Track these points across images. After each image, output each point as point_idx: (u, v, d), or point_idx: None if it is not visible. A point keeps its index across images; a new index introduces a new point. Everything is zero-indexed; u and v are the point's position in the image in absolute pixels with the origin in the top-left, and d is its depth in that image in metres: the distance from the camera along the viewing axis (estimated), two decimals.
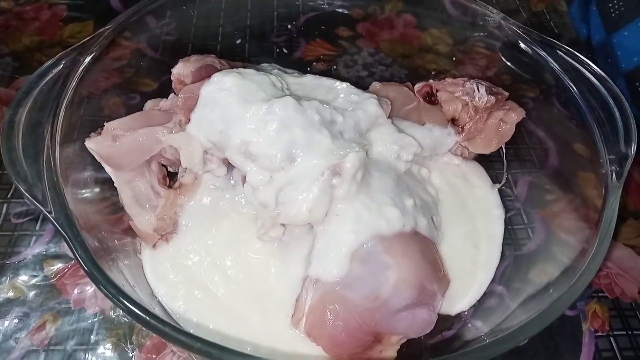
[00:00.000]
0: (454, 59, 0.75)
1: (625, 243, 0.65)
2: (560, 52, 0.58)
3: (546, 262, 0.58)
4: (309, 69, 0.79)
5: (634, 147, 0.50)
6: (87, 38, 0.55)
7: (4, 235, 0.60)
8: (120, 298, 0.37)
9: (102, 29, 0.56)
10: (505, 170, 0.66)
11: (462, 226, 0.59)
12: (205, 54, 0.65)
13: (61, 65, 0.51)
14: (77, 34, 0.82)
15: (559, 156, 0.66)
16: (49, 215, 0.41)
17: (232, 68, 0.64)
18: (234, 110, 0.53)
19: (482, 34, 0.71)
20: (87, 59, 0.53)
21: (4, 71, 0.76)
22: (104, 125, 0.53)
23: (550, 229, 0.61)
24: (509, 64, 0.69)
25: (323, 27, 0.83)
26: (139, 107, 0.66)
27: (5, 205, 0.62)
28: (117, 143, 0.51)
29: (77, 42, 0.79)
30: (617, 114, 0.52)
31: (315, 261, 0.50)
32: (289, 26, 0.84)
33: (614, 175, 0.48)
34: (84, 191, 0.55)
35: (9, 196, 0.63)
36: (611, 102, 0.53)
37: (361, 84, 0.76)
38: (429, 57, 0.80)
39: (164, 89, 0.69)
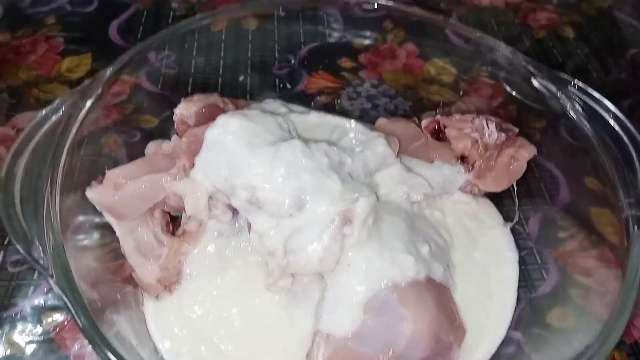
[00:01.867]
0: (460, 93, 0.74)
1: None
2: (571, 88, 0.57)
3: (564, 306, 0.57)
4: (312, 102, 0.78)
5: None
6: (87, 82, 0.53)
7: (0, 285, 0.58)
8: None
9: (101, 71, 0.55)
10: (516, 208, 0.64)
11: (475, 271, 0.58)
12: (208, 93, 0.63)
13: (61, 112, 0.49)
14: (74, 68, 0.81)
15: (570, 190, 0.65)
16: (50, 279, 0.39)
17: (236, 106, 0.63)
18: (240, 154, 0.51)
19: (487, 67, 0.70)
20: (88, 104, 0.51)
21: (0, 108, 0.75)
22: (104, 173, 0.51)
23: (565, 269, 0.60)
24: (514, 93, 0.68)
25: (325, 59, 0.82)
26: (140, 145, 0.65)
27: (1, 253, 0.60)
28: (119, 192, 0.50)
29: (75, 76, 0.80)
30: (633, 153, 0.51)
31: (326, 314, 0.48)
32: (291, 58, 0.83)
33: (636, 224, 0.46)
34: (83, 237, 0.53)
35: (5, 243, 0.61)
36: (626, 140, 0.52)
37: (365, 117, 0.76)
38: (433, 88, 0.79)
39: (165, 125, 0.67)
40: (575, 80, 0.57)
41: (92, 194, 0.49)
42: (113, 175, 0.49)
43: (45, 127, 0.48)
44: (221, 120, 0.53)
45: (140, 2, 0.92)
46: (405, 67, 0.83)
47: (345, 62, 0.82)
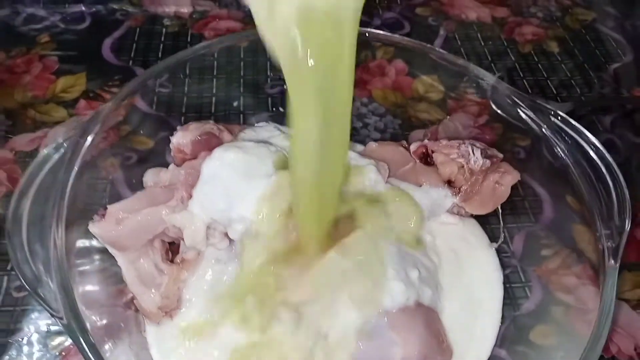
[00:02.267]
0: (447, 111, 0.76)
1: (620, 297, 0.66)
2: (554, 119, 0.60)
3: (546, 323, 0.60)
4: None
5: (628, 222, 0.51)
6: (86, 118, 0.55)
7: (6, 310, 0.59)
8: None
9: (101, 107, 0.56)
10: (502, 229, 0.67)
11: (462, 292, 0.60)
12: (203, 121, 0.65)
13: (62, 149, 0.51)
14: (69, 88, 0.82)
15: (553, 208, 0.68)
16: (60, 321, 0.41)
17: (231, 133, 0.65)
18: (236, 187, 0.54)
19: (473, 85, 0.72)
20: (89, 140, 0.53)
21: None
22: (106, 207, 0.53)
23: (548, 287, 0.63)
24: (499, 112, 0.70)
25: None
26: (136, 167, 0.66)
27: (5, 278, 0.62)
28: (121, 226, 0.52)
29: (70, 96, 0.81)
30: (610, 185, 0.54)
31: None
32: (282, 76, 0.84)
33: (611, 256, 0.49)
34: (86, 261, 0.55)
35: (8, 268, 0.62)
36: (605, 172, 0.55)
37: (356, 136, 0.78)
38: (421, 106, 0.82)
39: (161, 147, 0.69)
40: (558, 112, 0.59)
41: (96, 229, 0.51)
42: (114, 210, 0.51)
43: (48, 165, 0.49)
44: (217, 153, 0.55)
45: (132, 19, 0.93)
46: (394, 85, 0.85)
47: None
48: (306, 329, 0.51)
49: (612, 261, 0.48)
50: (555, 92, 0.89)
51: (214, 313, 0.55)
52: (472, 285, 0.62)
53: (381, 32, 0.71)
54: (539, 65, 0.94)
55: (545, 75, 0.92)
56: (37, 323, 0.59)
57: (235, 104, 0.77)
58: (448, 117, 0.79)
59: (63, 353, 0.57)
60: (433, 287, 0.57)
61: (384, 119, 0.81)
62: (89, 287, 0.53)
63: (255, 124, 0.69)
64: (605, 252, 0.50)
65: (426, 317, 0.54)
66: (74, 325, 0.41)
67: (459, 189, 0.64)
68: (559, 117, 0.59)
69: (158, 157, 0.69)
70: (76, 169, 0.50)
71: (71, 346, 0.57)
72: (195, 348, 0.54)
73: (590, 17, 1.04)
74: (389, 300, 0.52)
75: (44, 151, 0.50)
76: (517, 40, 0.98)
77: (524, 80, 0.91)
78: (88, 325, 0.43)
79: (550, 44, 0.97)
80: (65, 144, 0.51)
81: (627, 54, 0.97)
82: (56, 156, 0.51)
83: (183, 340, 0.54)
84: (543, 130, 0.60)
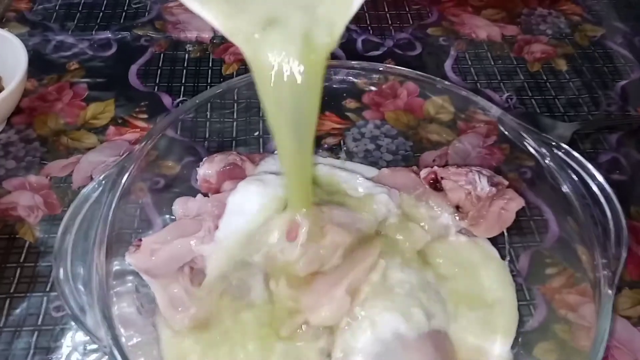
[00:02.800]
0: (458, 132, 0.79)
1: (620, 314, 0.69)
2: (556, 151, 0.63)
3: (549, 340, 0.63)
4: (321, 144, 0.83)
5: (624, 252, 0.54)
6: (123, 157, 0.59)
7: (46, 329, 0.64)
8: None
9: (137, 148, 0.61)
10: (507, 250, 0.70)
11: (473, 309, 0.64)
12: (227, 152, 0.70)
13: (101, 189, 0.56)
14: (99, 115, 0.87)
15: (558, 228, 0.71)
16: (104, 349, 0.46)
17: (252, 162, 0.69)
18: (258, 219, 0.58)
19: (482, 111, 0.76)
20: (124, 179, 0.58)
21: (33, 157, 0.81)
22: (140, 239, 0.58)
23: (551, 305, 0.66)
24: (507, 133, 0.73)
25: (331, 100, 0.88)
26: (164, 192, 0.71)
27: (45, 299, 0.67)
28: (155, 256, 0.56)
29: (100, 123, 0.86)
30: (609, 215, 0.57)
31: None
32: None
33: (606, 284, 0.52)
34: (120, 281, 0.60)
35: (47, 289, 0.68)
36: (604, 203, 0.58)
37: (369, 158, 0.82)
38: (432, 127, 0.85)
39: (187, 172, 0.74)
40: (561, 144, 0.62)
41: (132, 259, 0.56)
42: (149, 242, 0.56)
43: (88, 203, 0.54)
44: (241, 186, 0.59)
45: (156, 44, 0.97)
46: (406, 107, 0.88)
47: (350, 103, 0.88)
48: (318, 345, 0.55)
49: (608, 290, 0.52)
50: (562, 110, 0.92)
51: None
52: (483, 301, 0.65)
53: (390, 66, 0.75)
54: (548, 83, 0.96)
55: (554, 94, 0.94)
56: (75, 341, 0.64)
57: (256, 134, 0.81)
58: (458, 137, 0.82)
59: None
60: (443, 310, 0.61)
61: (396, 140, 0.85)
62: (124, 307, 0.58)
63: (274, 151, 0.73)
64: (601, 280, 0.53)
65: (436, 339, 0.58)
66: (116, 352, 0.46)
67: (467, 213, 0.68)
68: (562, 150, 0.62)
69: (184, 182, 0.74)
70: (114, 206, 0.55)
71: None
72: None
73: (599, 32, 1.06)
74: (404, 326, 0.55)
75: (84, 190, 0.55)
76: (527, 58, 1.00)
77: (533, 100, 0.94)
78: (126, 348, 0.48)
79: (559, 62, 1.00)
80: (103, 182, 0.56)
81: (634, 70, 0.99)
82: (95, 194, 0.55)
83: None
84: (546, 161, 0.63)
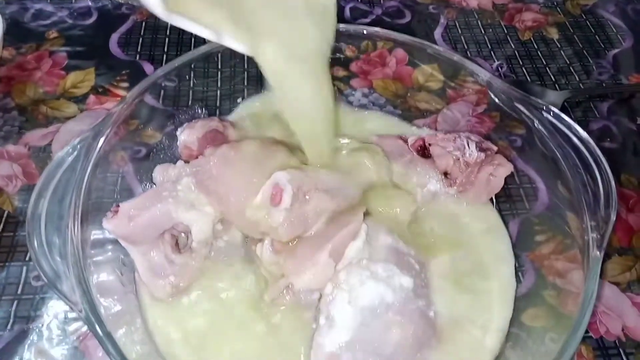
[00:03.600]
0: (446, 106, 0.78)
1: (610, 280, 0.69)
2: (546, 114, 0.62)
3: (537, 306, 0.62)
4: None
5: (613, 215, 0.53)
6: (99, 120, 0.57)
7: (26, 299, 0.63)
8: None
9: (112, 109, 0.59)
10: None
11: (468, 279, 0.63)
12: (209, 118, 0.68)
13: (76, 152, 0.54)
14: (79, 84, 0.84)
15: (548, 195, 0.70)
16: (79, 314, 0.44)
17: (235, 128, 0.68)
18: (241, 181, 0.57)
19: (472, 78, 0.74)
20: (100, 142, 0.56)
21: (11, 126, 0.79)
22: (118, 205, 0.56)
23: (540, 271, 0.66)
24: (497, 100, 0.72)
25: None
26: (145, 161, 0.70)
27: (24, 268, 0.65)
28: (133, 223, 0.55)
29: (80, 92, 0.84)
30: (598, 179, 0.56)
31: (320, 331, 0.54)
32: None
33: (595, 246, 0.51)
34: (99, 251, 0.58)
35: (27, 259, 0.66)
36: (594, 166, 0.57)
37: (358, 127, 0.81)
38: (421, 95, 0.83)
39: (168, 140, 0.72)
40: (550, 107, 0.61)
41: (109, 225, 0.54)
42: (126, 208, 0.55)
43: (63, 168, 0.52)
44: (221, 150, 0.58)
45: (137, 12, 0.95)
46: (395, 75, 0.87)
47: (338, 71, 0.86)
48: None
49: (597, 252, 0.51)
50: (553, 79, 0.91)
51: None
52: (482, 266, 0.64)
53: (379, 29, 0.73)
54: (539, 52, 0.95)
55: (544, 63, 0.93)
56: (55, 310, 0.62)
57: (239, 99, 0.79)
58: (447, 106, 0.81)
59: (80, 338, 0.61)
60: (426, 276, 0.60)
61: (384, 109, 0.84)
62: (104, 276, 0.57)
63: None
64: (590, 243, 0.52)
65: (421, 303, 0.57)
66: (92, 317, 0.45)
67: (455, 180, 0.67)
68: (551, 112, 0.61)
69: (166, 151, 0.72)
70: (90, 169, 0.53)
71: (88, 331, 0.61)
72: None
73: (591, 1, 1.05)
74: (390, 292, 0.54)
75: (59, 153, 0.53)
76: (517, 27, 0.99)
77: (523, 68, 0.92)
78: (103, 311, 0.47)
79: (550, 31, 0.98)
80: (79, 146, 0.54)
81: (626, 39, 0.98)
82: (70, 158, 0.53)
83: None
84: (535, 124, 0.62)
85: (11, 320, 0.61)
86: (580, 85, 0.90)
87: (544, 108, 0.61)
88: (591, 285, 0.49)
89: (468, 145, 0.65)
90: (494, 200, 0.71)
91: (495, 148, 0.66)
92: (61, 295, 0.45)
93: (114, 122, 0.57)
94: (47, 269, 0.47)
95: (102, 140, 0.56)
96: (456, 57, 0.69)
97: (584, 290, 0.49)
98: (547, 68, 0.92)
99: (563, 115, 0.61)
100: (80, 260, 0.48)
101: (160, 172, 0.62)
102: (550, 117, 0.61)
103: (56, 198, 0.51)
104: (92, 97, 0.82)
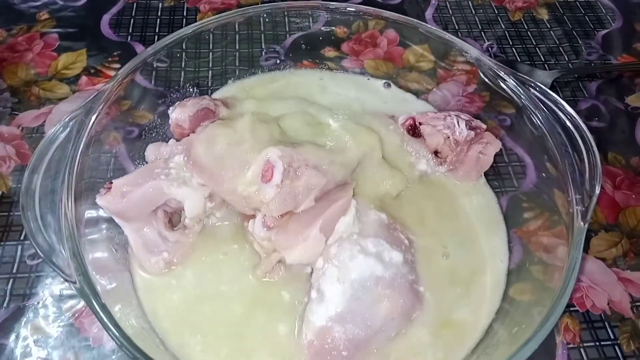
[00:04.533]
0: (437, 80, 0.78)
1: (596, 256, 0.70)
2: (533, 90, 0.62)
3: (525, 281, 0.64)
4: None
5: (598, 187, 0.54)
6: (90, 98, 0.58)
7: (21, 277, 0.64)
8: None
9: (103, 87, 0.59)
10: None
11: (466, 247, 0.64)
12: (200, 96, 0.68)
13: (68, 129, 0.54)
14: (71, 65, 0.85)
15: (536, 173, 0.71)
16: (73, 285, 0.45)
17: (227, 107, 0.68)
18: (230, 161, 0.57)
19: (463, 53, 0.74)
20: (92, 119, 0.56)
21: (4, 107, 0.79)
22: (111, 181, 0.57)
23: (527, 247, 0.67)
24: (487, 80, 0.73)
25: (309, 49, 0.86)
26: (138, 141, 0.70)
27: (19, 248, 0.66)
28: (126, 199, 0.55)
29: (72, 73, 0.84)
30: (584, 152, 0.57)
31: (312, 304, 0.55)
32: (277, 48, 0.87)
33: (579, 216, 0.53)
34: (94, 230, 0.59)
35: (22, 238, 0.67)
36: (579, 140, 0.58)
37: (348, 111, 0.81)
38: (411, 76, 0.84)
39: (161, 120, 0.73)
40: (537, 83, 0.62)
41: (102, 201, 0.55)
42: (119, 184, 0.55)
43: (56, 144, 0.53)
44: (208, 130, 0.58)
45: None
46: (386, 55, 0.87)
47: (329, 52, 0.86)
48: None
49: (581, 222, 0.52)
50: (543, 59, 0.91)
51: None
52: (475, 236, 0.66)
53: (370, 8, 0.74)
54: (529, 32, 0.95)
55: (534, 43, 0.94)
56: (51, 288, 0.63)
57: (231, 80, 0.80)
58: (438, 86, 0.81)
59: (76, 315, 0.62)
60: (412, 251, 0.61)
61: None
62: (98, 254, 0.57)
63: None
64: (575, 214, 0.53)
65: (408, 277, 0.58)
66: (86, 288, 0.45)
67: (445, 158, 0.68)
68: (538, 89, 0.61)
69: (159, 130, 0.73)
70: (82, 146, 0.53)
71: (83, 308, 0.62)
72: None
73: None
74: (380, 267, 0.56)
75: (51, 130, 0.54)
76: (508, 7, 0.99)
77: (513, 48, 0.93)
78: (99, 288, 0.47)
79: (540, 11, 0.99)
80: (71, 123, 0.55)
81: (616, 20, 0.98)
82: (63, 135, 0.54)
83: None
84: (523, 100, 0.63)
85: (7, 299, 0.62)
86: (570, 65, 0.91)
87: (532, 85, 0.62)
88: (575, 254, 0.50)
89: (458, 123, 0.65)
90: (484, 179, 0.72)
91: (484, 126, 0.67)
92: (55, 267, 0.46)
93: (106, 99, 0.57)
94: (42, 243, 0.47)
95: (94, 117, 0.56)
96: (447, 35, 0.69)
97: (568, 259, 0.50)
98: (536, 48, 0.93)
99: (549, 92, 0.61)
100: (75, 234, 0.49)
101: (152, 151, 0.63)
102: (537, 94, 0.61)
103: (49, 174, 0.52)
104: (84, 78, 0.83)
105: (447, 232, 0.66)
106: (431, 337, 0.57)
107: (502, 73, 0.65)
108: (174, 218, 0.61)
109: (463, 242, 0.65)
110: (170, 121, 0.66)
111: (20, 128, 0.77)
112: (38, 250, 0.47)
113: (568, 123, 0.59)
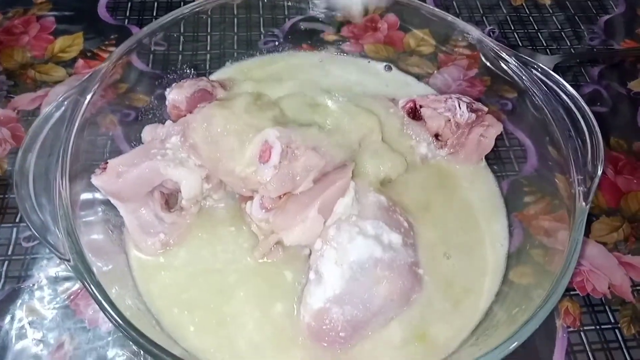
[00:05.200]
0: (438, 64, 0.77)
1: (597, 240, 0.70)
2: (535, 71, 0.62)
3: (525, 264, 0.63)
4: None
5: (600, 168, 0.54)
6: (85, 77, 0.57)
7: (16, 259, 0.63)
8: (143, 342, 0.42)
9: (98, 66, 0.58)
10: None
11: (465, 230, 0.64)
12: (197, 78, 0.67)
13: (63, 107, 0.54)
14: (67, 48, 0.84)
15: (537, 157, 0.71)
16: (67, 264, 0.44)
17: (224, 89, 0.67)
18: (227, 142, 0.56)
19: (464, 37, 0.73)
20: (88, 98, 0.55)
21: (0, 90, 0.78)
22: (107, 161, 0.56)
23: (528, 231, 0.66)
24: (488, 64, 0.72)
25: (309, 32, 0.85)
26: (135, 124, 0.69)
27: (14, 230, 0.65)
28: (121, 179, 0.55)
29: (69, 56, 0.83)
30: (586, 134, 0.56)
31: (310, 285, 0.54)
32: (275, 32, 0.86)
33: (581, 196, 0.52)
34: (90, 212, 0.58)
35: (17, 220, 0.66)
36: (581, 121, 0.57)
37: (348, 94, 0.80)
38: (412, 60, 0.83)
39: (158, 103, 0.72)
40: (540, 64, 0.61)
41: (97, 181, 0.54)
42: (115, 164, 0.54)
43: (50, 123, 0.52)
44: (205, 110, 0.58)
45: None
46: (386, 39, 0.86)
47: (329, 36, 0.85)
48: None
49: (583, 203, 0.51)
50: (545, 44, 0.90)
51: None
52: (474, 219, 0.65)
53: None
54: (531, 17, 0.94)
55: (536, 28, 0.93)
56: (47, 270, 0.63)
57: (228, 62, 0.79)
58: (438, 70, 0.80)
59: (71, 297, 0.61)
60: (412, 234, 0.60)
61: None
62: (94, 236, 0.57)
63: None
64: (577, 195, 0.53)
65: (408, 259, 0.57)
66: (80, 266, 0.45)
67: (446, 142, 0.67)
68: (540, 70, 0.61)
69: (155, 114, 0.72)
70: (77, 125, 0.53)
71: (79, 290, 0.61)
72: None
73: None
74: (379, 249, 0.55)
75: (46, 109, 0.53)
76: None
77: (515, 33, 0.92)
78: (95, 269, 0.47)
79: None
80: (65, 102, 0.54)
81: (619, 5, 0.97)
82: (57, 114, 0.53)
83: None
84: (525, 82, 0.62)
85: (2, 280, 0.62)
86: (572, 50, 0.90)
87: (534, 66, 0.61)
88: (576, 235, 0.49)
89: (459, 106, 0.64)
90: (484, 163, 0.71)
91: (485, 109, 0.66)
92: (50, 246, 0.45)
93: (101, 79, 0.56)
94: (36, 221, 0.47)
95: (89, 96, 0.55)
96: (449, 17, 0.68)
97: (569, 240, 0.50)
98: (538, 33, 0.92)
99: (552, 72, 0.61)
100: (69, 213, 0.48)
101: (149, 132, 0.62)
102: (539, 75, 0.61)
103: (44, 153, 0.51)
104: (80, 62, 0.82)
105: (447, 215, 0.65)
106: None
107: (504, 54, 0.64)
108: (170, 200, 0.60)
109: (463, 225, 0.65)
110: (167, 103, 0.65)
111: (16, 111, 0.76)
112: (32, 229, 0.46)
113: (570, 104, 0.59)
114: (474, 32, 0.67)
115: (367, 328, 0.54)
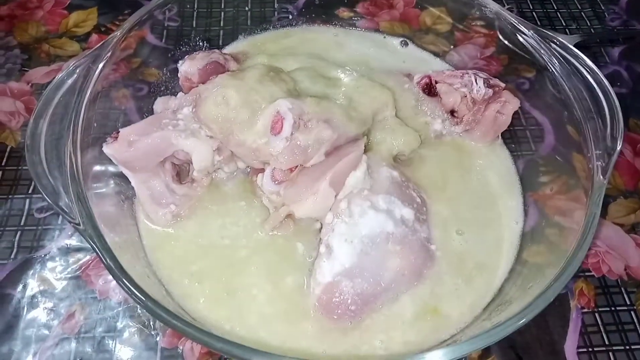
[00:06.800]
0: (455, 42, 0.76)
1: (614, 222, 0.68)
2: (553, 44, 0.60)
3: (539, 243, 0.62)
4: None
5: (619, 142, 0.52)
6: (97, 46, 0.57)
7: (29, 230, 0.64)
8: (153, 306, 0.42)
9: (111, 36, 0.58)
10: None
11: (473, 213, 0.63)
12: (210, 50, 0.67)
13: (75, 75, 0.53)
14: (81, 23, 0.84)
15: (554, 136, 0.69)
16: (77, 227, 0.44)
17: (237, 62, 0.67)
18: (240, 112, 0.56)
19: (482, 15, 0.72)
20: (100, 66, 0.55)
21: (14, 64, 0.78)
22: (118, 129, 0.56)
23: (543, 211, 0.65)
24: (506, 42, 0.70)
25: (323, 9, 0.84)
26: (147, 98, 0.69)
27: (27, 201, 0.66)
28: (133, 148, 0.54)
29: (82, 31, 0.83)
30: (605, 108, 0.55)
31: (321, 260, 0.54)
32: (289, 8, 0.85)
33: (599, 171, 0.51)
34: (102, 184, 0.58)
35: (30, 192, 0.66)
36: (601, 96, 0.56)
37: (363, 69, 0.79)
38: (428, 38, 0.82)
39: (171, 78, 0.72)
40: (559, 38, 0.59)
41: (109, 149, 0.54)
42: (126, 132, 0.54)
43: (62, 90, 0.52)
44: (217, 80, 0.57)
45: None
46: (402, 17, 0.85)
47: (344, 12, 0.84)
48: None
49: (601, 177, 0.50)
50: (564, 24, 0.88)
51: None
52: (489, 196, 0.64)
53: None
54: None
55: (555, 7, 0.91)
56: (58, 241, 0.63)
57: (241, 36, 0.78)
58: (455, 49, 0.79)
59: (82, 267, 0.61)
60: (425, 213, 0.59)
61: None
62: (107, 208, 0.57)
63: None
64: (595, 169, 0.51)
65: (420, 235, 0.57)
66: (90, 230, 0.45)
67: (462, 118, 0.66)
68: (559, 44, 0.59)
69: (168, 86, 0.72)
70: (89, 92, 0.52)
71: (90, 261, 0.62)
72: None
73: None
74: (391, 223, 0.54)
75: (58, 76, 0.53)
76: None
77: (534, 13, 0.90)
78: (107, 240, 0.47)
79: None
80: (77, 70, 0.54)
81: None
82: (70, 81, 0.53)
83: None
84: (543, 57, 0.61)
85: (14, 250, 0.62)
86: (592, 30, 0.88)
87: (554, 40, 0.60)
88: (594, 209, 0.48)
89: (476, 81, 0.63)
90: (501, 141, 0.70)
91: (503, 85, 0.65)
92: (60, 210, 0.45)
93: (113, 47, 0.56)
94: (47, 186, 0.46)
95: (101, 65, 0.55)
96: None
97: (586, 215, 0.48)
98: (557, 12, 0.90)
99: (571, 46, 0.59)
100: (80, 178, 0.48)
101: (161, 103, 0.62)
102: (559, 49, 0.59)
103: (55, 119, 0.51)
104: (94, 36, 0.82)
105: (461, 192, 0.64)
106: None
107: (523, 27, 0.62)
108: (182, 172, 0.60)
109: (477, 203, 0.64)
110: (179, 75, 0.65)
111: (29, 84, 0.76)
112: (43, 193, 0.46)
113: (590, 79, 0.57)
114: (492, 5, 0.65)
115: (378, 302, 0.53)
